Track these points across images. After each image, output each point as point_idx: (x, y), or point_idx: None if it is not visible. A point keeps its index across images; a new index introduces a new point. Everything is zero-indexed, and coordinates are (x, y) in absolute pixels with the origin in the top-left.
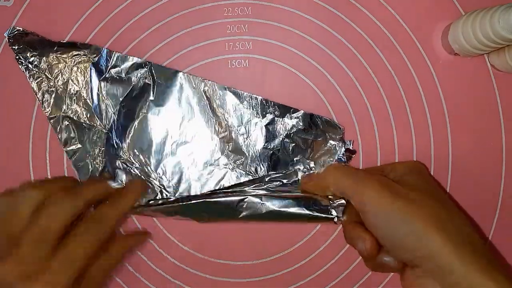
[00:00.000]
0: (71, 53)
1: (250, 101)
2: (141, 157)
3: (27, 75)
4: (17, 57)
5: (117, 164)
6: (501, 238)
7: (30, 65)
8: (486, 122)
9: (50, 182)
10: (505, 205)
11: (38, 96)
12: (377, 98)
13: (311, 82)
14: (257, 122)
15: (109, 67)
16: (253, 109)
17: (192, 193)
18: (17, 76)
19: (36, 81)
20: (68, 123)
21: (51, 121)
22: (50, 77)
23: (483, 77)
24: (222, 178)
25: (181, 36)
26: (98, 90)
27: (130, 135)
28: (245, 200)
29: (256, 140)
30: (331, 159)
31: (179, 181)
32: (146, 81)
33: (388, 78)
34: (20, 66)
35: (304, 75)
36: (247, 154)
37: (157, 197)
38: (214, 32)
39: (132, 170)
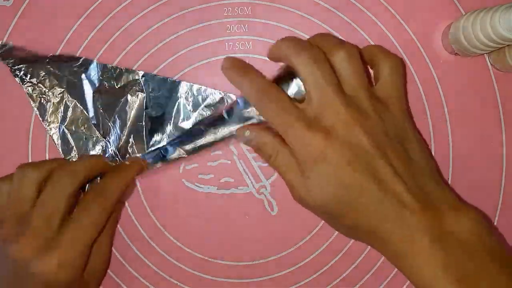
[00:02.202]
0: (63, 65)
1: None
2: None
3: (24, 86)
4: (12, 70)
5: None
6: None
7: (25, 77)
8: (486, 122)
9: (47, 162)
10: (505, 205)
11: (35, 106)
12: None
13: None
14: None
15: (101, 79)
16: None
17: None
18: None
19: (32, 91)
20: (65, 133)
21: (49, 131)
22: (44, 88)
23: (483, 77)
24: None
25: (181, 36)
26: (93, 102)
27: (128, 145)
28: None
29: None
30: None
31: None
32: (139, 91)
33: None
34: (16, 78)
35: None
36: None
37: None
38: (214, 32)
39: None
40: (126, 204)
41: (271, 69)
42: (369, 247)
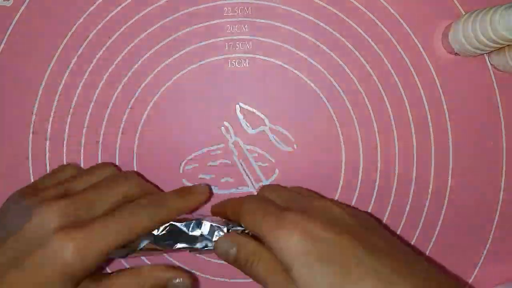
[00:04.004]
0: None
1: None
2: None
3: None
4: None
5: None
6: (502, 239)
7: None
8: (486, 122)
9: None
10: (505, 205)
11: None
12: (377, 97)
13: (311, 82)
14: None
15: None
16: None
17: None
18: (17, 75)
19: None
20: None
21: None
22: None
23: (483, 77)
24: None
25: (181, 36)
26: None
27: None
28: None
29: None
30: None
31: None
32: None
33: (388, 78)
34: None
35: (304, 75)
36: None
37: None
38: (214, 32)
39: None
40: None
41: (271, 70)
42: None
